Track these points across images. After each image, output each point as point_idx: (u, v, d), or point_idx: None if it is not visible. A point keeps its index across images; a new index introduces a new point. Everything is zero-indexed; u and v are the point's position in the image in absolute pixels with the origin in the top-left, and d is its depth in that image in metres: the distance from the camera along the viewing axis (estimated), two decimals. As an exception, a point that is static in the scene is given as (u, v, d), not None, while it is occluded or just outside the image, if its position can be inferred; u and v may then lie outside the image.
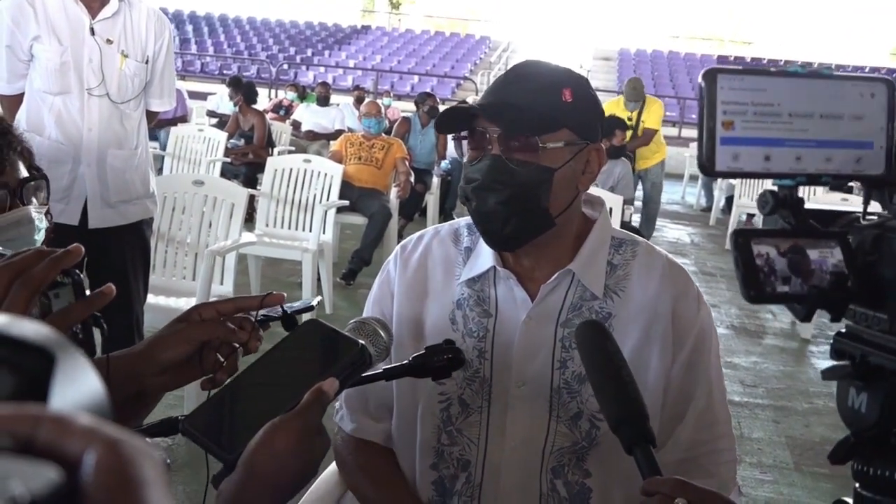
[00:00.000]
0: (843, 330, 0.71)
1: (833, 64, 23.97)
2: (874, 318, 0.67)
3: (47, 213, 1.37)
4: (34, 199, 1.35)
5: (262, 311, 1.09)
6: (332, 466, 1.56)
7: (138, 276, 3.10)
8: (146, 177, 3.12)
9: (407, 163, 6.61)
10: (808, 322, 0.65)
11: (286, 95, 11.65)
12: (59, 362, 0.34)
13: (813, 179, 0.67)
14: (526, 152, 1.27)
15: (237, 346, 1.06)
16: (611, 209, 4.72)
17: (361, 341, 1.03)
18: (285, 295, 1.10)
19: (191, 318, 1.05)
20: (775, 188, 0.68)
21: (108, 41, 2.92)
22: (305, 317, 1.18)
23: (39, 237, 1.33)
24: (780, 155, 0.67)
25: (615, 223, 4.49)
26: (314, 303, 1.14)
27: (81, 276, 0.99)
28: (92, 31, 2.89)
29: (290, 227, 5.31)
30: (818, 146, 0.67)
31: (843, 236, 0.67)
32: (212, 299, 3.72)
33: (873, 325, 0.67)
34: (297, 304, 1.13)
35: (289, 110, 11.00)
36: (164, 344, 1.03)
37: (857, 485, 0.70)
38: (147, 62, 3.03)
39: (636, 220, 7.66)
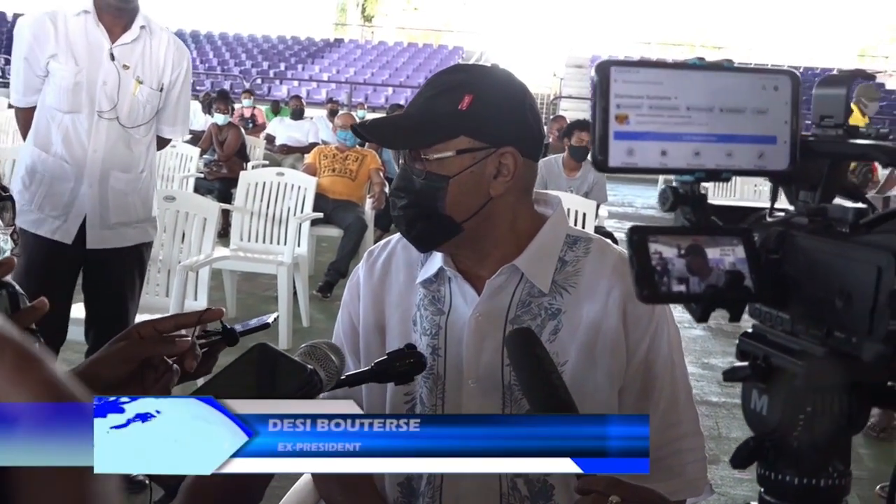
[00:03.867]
0: (750, 330, 0.69)
1: (802, 66, 24.25)
2: (777, 318, 0.65)
3: (13, 234, 1.35)
4: None
5: (201, 328, 1.08)
6: (307, 475, 1.55)
7: (135, 298, 3.13)
8: (148, 201, 3.14)
9: (381, 174, 6.61)
10: (704, 322, 0.63)
11: (244, 103, 11.06)
12: None
13: (713, 175, 0.65)
14: (419, 162, 1.32)
15: (174, 365, 1.05)
16: (584, 214, 4.75)
17: (311, 366, 1.01)
18: (224, 310, 1.10)
19: (130, 337, 1.05)
20: (678, 184, 0.66)
21: (125, 66, 2.95)
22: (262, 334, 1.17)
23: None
24: (678, 150, 0.64)
25: (589, 228, 4.51)
26: (270, 320, 1.13)
27: (16, 287, 0.98)
28: (112, 56, 2.93)
29: (264, 241, 5.29)
30: (718, 141, 0.65)
31: (748, 233, 0.64)
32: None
33: (776, 326, 0.65)
34: (252, 322, 1.12)
35: (254, 121, 10.85)
36: (104, 363, 1.02)
37: (761, 489, 0.69)
38: (161, 90, 3.05)
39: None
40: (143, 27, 2.98)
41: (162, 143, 3.23)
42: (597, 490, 0.99)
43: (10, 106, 3.10)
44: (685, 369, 1.40)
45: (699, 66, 0.64)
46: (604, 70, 0.62)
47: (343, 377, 1.20)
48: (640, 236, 0.61)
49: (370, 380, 1.21)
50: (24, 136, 3.08)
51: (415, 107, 1.36)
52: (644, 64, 0.63)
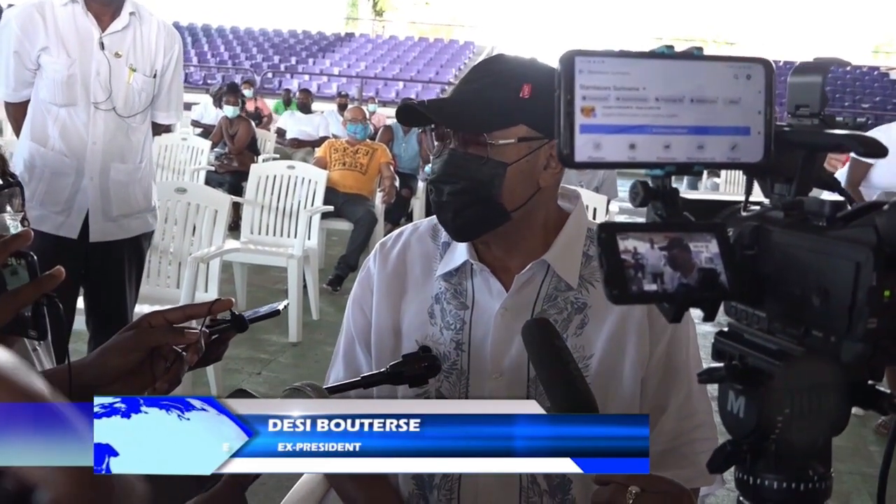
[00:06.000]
0: (726, 329, 0.66)
1: (815, 62, 24.05)
2: (753, 317, 0.62)
3: (23, 220, 1.36)
4: (8, 207, 1.35)
5: (211, 317, 1.09)
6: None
7: (132, 288, 3.12)
8: (149, 190, 3.12)
9: (391, 167, 6.61)
10: (677, 323, 0.60)
11: (249, 95, 10.53)
12: None
13: (684, 168, 0.62)
14: (476, 147, 1.30)
15: (182, 353, 1.07)
16: (595, 209, 4.74)
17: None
18: (234, 300, 1.12)
19: (140, 326, 1.07)
20: (648, 178, 0.63)
21: (117, 55, 2.91)
22: (271, 323, 1.16)
23: None
24: (647, 143, 0.60)
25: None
26: (280, 307, 1.13)
27: (34, 257, 1.01)
28: (102, 45, 2.88)
29: (275, 234, 5.31)
30: (689, 133, 0.61)
31: (722, 228, 0.60)
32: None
33: (752, 324, 0.63)
34: (262, 310, 1.13)
35: (259, 114, 10.73)
36: (114, 352, 1.05)
37: (739, 495, 0.66)
38: (155, 76, 3.02)
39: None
40: (132, 13, 2.94)
41: (157, 129, 3.19)
42: (616, 480, 0.99)
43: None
44: (700, 362, 1.41)
45: (667, 55, 0.61)
46: (568, 60, 0.59)
47: (360, 378, 1.21)
48: (608, 234, 0.58)
49: (385, 381, 1.22)
50: (17, 131, 3.03)
51: (469, 93, 1.33)
52: (610, 54, 0.60)
